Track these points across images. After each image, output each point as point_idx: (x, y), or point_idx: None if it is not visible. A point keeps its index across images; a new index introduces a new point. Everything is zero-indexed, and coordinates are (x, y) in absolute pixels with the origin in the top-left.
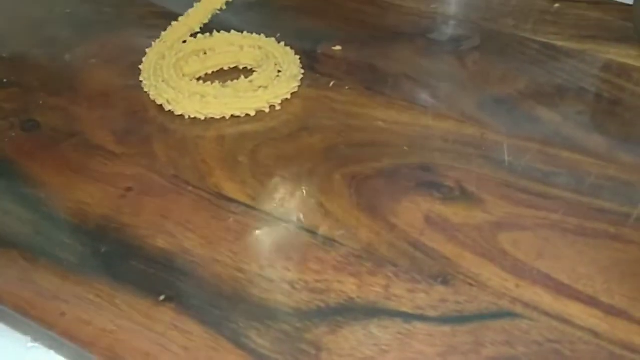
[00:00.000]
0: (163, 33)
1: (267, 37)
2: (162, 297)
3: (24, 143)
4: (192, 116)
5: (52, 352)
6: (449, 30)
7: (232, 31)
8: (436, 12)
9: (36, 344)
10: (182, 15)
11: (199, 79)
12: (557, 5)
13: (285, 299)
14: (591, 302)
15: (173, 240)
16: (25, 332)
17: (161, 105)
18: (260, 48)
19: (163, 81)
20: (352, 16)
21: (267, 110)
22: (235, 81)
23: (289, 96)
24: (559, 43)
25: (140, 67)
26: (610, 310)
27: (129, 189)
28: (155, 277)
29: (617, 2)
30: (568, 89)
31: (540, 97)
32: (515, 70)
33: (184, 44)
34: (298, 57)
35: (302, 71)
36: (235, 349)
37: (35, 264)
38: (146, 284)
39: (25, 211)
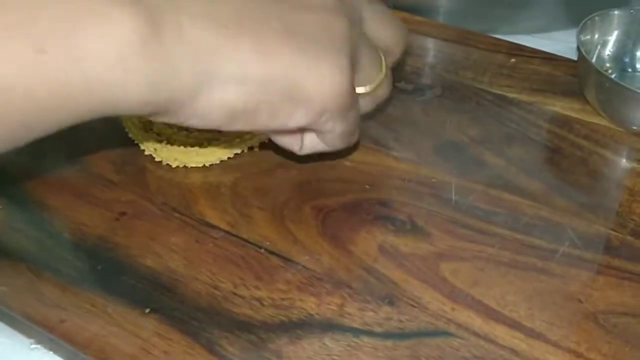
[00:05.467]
0: None
1: None
2: (147, 310)
3: (33, 169)
4: (177, 159)
5: (51, 353)
6: (415, 80)
7: None
8: (405, 63)
9: (38, 346)
10: None
11: None
12: (513, 60)
13: (254, 313)
14: (515, 325)
15: (160, 260)
16: (28, 334)
17: None
18: None
19: None
20: None
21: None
22: None
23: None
24: (511, 95)
25: None
26: (531, 333)
27: (123, 214)
28: (143, 291)
29: (566, 58)
30: (515, 137)
31: (489, 143)
32: (470, 118)
33: None
34: None
35: None
36: (209, 355)
37: (39, 276)
38: (135, 296)
39: (32, 229)
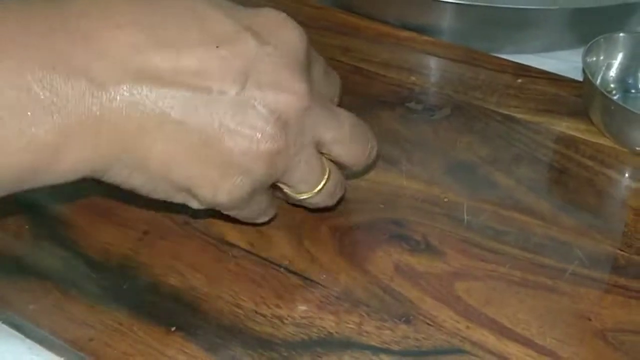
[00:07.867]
0: None
1: None
2: (173, 328)
3: (59, 190)
4: None
5: None
6: (425, 100)
7: None
8: (414, 84)
9: None
10: None
11: None
12: (520, 80)
13: (275, 332)
14: (527, 343)
15: (183, 279)
16: (58, 352)
17: None
18: None
19: None
20: (342, 84)
21: None
22: None
23: None
24: (519, 115)
25: None
26: (542, 351)
27: (146, 232)
28: (168, 309)
29: (571, 78)
30: (523, 158)
31: (498, 163)
32: (480, 139)
33: None
34: None
35: None
36: None
37: (66, 294)
38: (160, 315)
39: (59, 249)
